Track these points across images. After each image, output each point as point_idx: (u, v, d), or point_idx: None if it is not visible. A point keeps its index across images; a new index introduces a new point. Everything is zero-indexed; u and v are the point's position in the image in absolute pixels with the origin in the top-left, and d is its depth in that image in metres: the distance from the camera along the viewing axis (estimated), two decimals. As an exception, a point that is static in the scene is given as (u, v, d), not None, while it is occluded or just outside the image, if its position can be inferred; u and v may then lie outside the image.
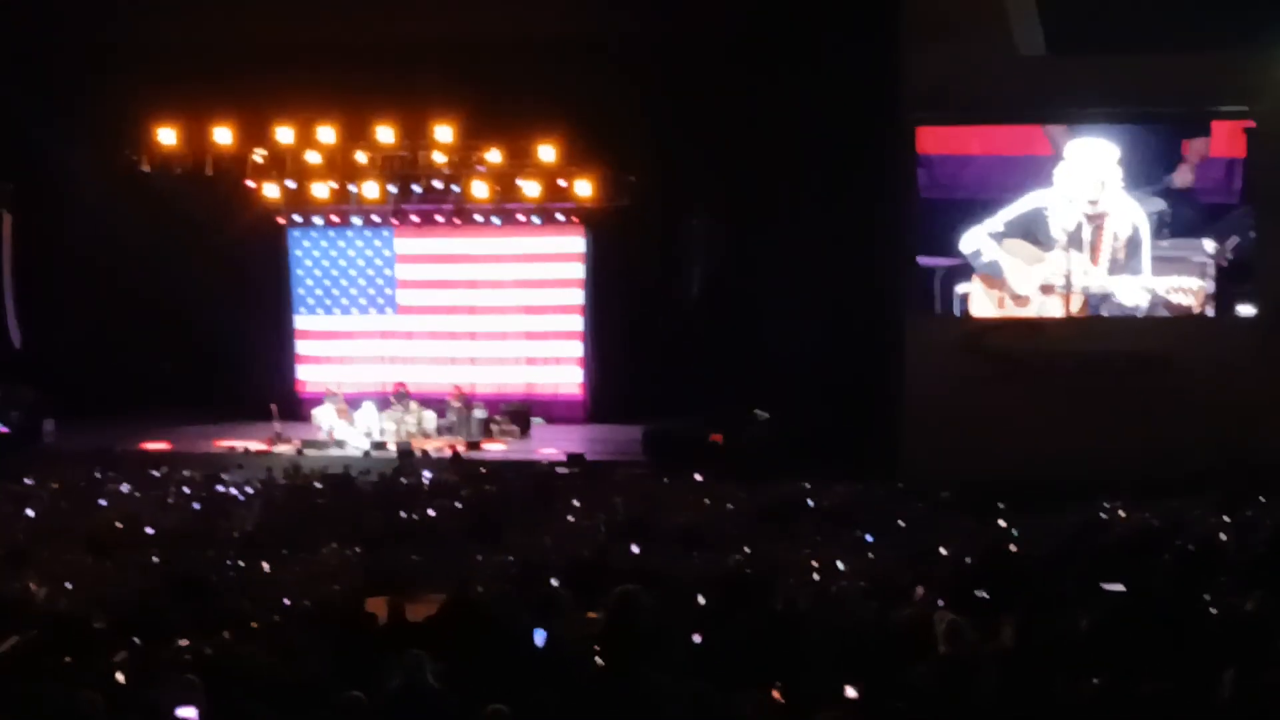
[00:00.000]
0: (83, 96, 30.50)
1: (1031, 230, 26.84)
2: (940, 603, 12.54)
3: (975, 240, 26.89)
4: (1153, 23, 24.79)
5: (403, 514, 20.11)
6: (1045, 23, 26.22)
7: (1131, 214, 26.51)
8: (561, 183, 31.10)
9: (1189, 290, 26.55)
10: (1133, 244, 26.57)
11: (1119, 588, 12.87)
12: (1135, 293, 26.66)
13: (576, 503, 21.03)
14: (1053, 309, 27.01)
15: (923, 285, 27.12)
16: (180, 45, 29.71)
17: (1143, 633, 11.00)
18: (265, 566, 16.07)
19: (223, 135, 30.83)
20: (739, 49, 29.33)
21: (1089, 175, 26.61)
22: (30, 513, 20.07)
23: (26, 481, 23.30)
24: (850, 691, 9.66)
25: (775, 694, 9.42)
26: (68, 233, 32.50)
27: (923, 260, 27.12)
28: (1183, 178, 26.42)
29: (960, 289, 27.07)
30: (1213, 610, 11.69)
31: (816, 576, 15.09)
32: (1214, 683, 9.32)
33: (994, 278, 27.02)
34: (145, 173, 31.32)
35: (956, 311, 27.16)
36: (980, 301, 27.12)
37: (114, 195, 31.59)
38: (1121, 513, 19.96)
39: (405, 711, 9.59)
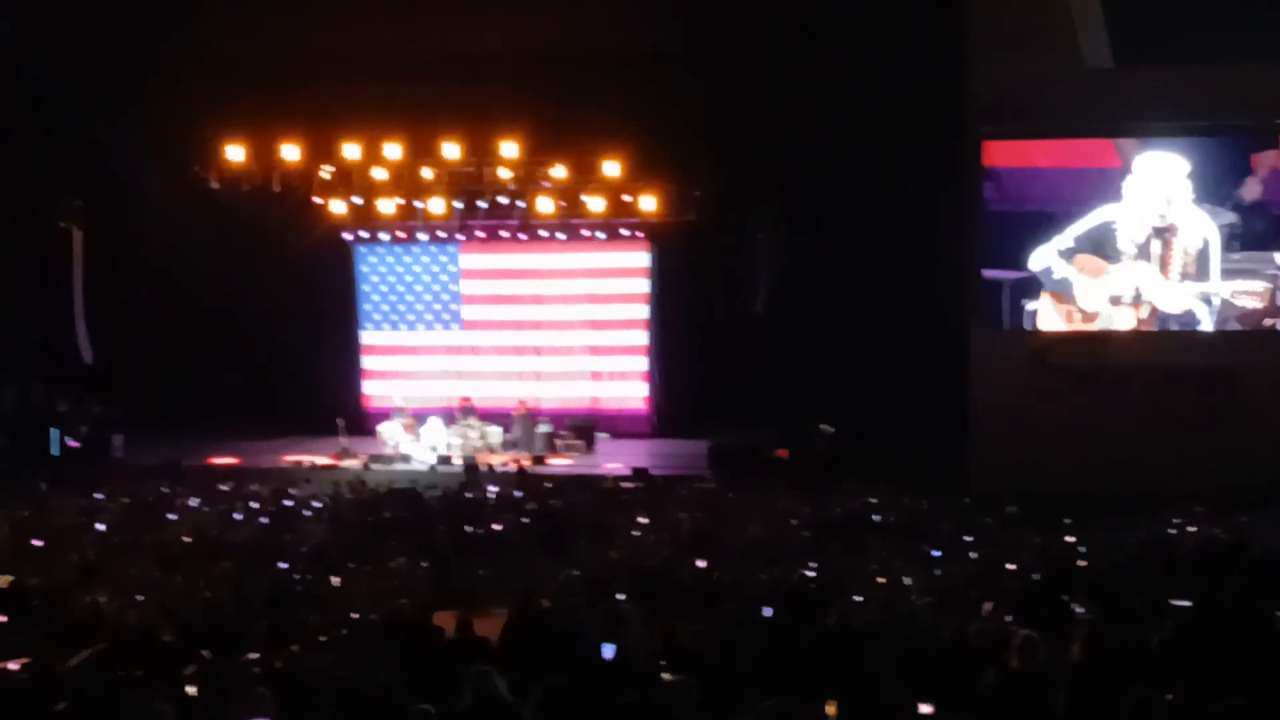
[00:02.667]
0: (152, 113, 30.74)
1: (1101, 244, 26.68)
2: (1008, 618, 12.47)
3: (1045, 258, 26.75)
4: (1220, 34, 24.65)
5: (469, 528, 20.12)
6: (1113, 35, 26.06)
7: (1201, 227, 26.32)
8: (626, 198, 31.15)
9: (1255, 293, 26.32)
10: (1202, 257, 26.38)
11: (1188, 603, 12.78)
12: (1192, 302, 26.45)
13: (642, 517, 20.99)
14: (1122, 321, 26.83)
15: (991, 299, 26.98)
16: (248, 62, 29.94)
17: (1213, 648, 10.91)
18: (333, 580, 16.11)
19: (290, 151, 31.03)
20: (803, 62, 29.31)
21: (1157, 189, 26.44)
22: (100, 526, 20.18)
23: (96, 495, 23.44)
24: (924, 708, 9.61)
25: (830, 708, 9.38)
26: (137, 249, 32.81)
27: (989, 273, 26.99)
28: (1252, 191, 26.22)
29: (1030, 305, 26.92)
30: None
31: (883, 591, 15.02)
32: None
33: (1063, 294, 26.87)
34: (213, 189, 31.51)
35: (1026, 326, 27.01)
36: (1049, 317, 26.97)
37: (182, 211, 31.84)
38: (1190, 527, 19.82)
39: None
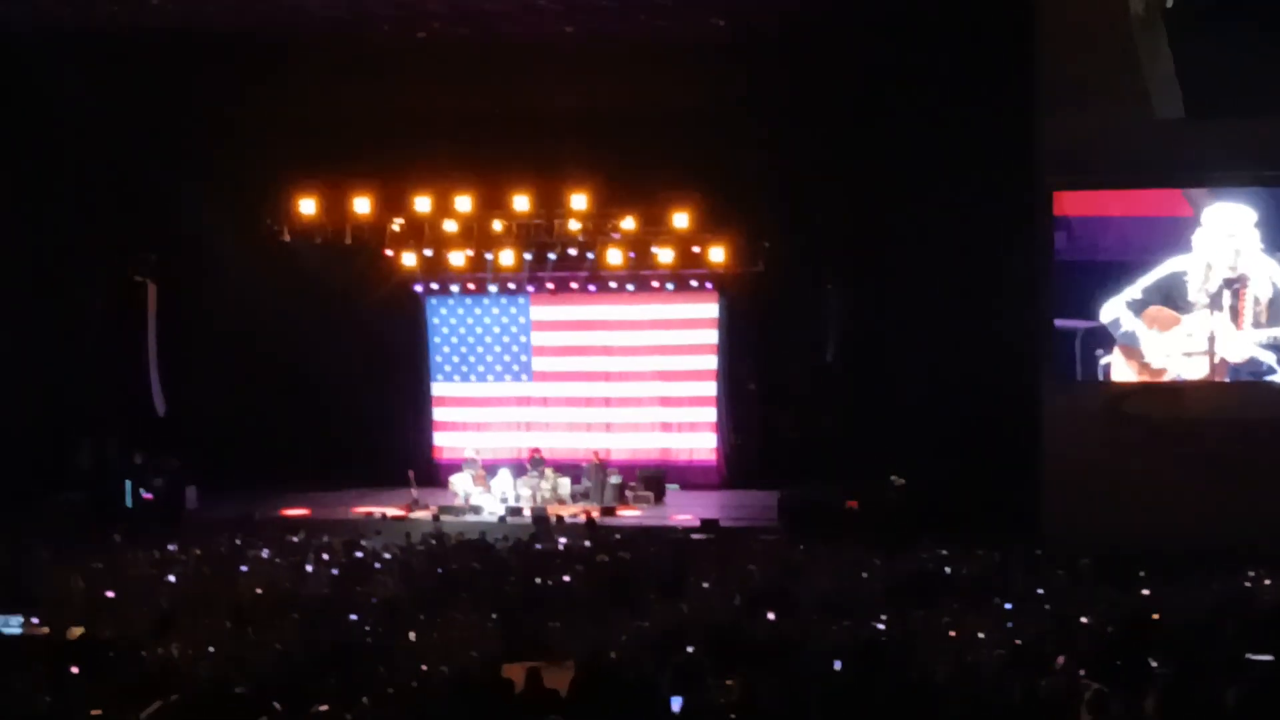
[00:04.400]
0: (226, 169, 31.14)
1: (1171, 295, 26.51)
2: (1082, 672, 12.36)
3: (1113, 310, 26.59)
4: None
5: (539, 580, 20.13)
6: (1184, 86, 25.92)
7: (1273, 275, 26.12)
8: (695, 249, 31.20)
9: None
10: (1275, 306, 26.16)
11: (1266, 658, 12.63)
12: (1255, 350, 26.22)
13: (712, 570, 20.94)
14: (1194, 372, 26.62)
15: (1063, 350, 26.82)
16: (320, 116, 30.23)
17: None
18: (407, 633, 16.13)
19: (361, 205, 31.23)
20: (872, 114, 29.35)
21: (1226, 240, 26.27)
22: (173, 579, 20.31)
23: (169, 548, 23.60)
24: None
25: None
26: (210, 303, 33.11)
27: (1061, 323, 26.84)
28: (1326, 238, 26.04)
29: (1104, 358, 26.74)
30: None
31: (955, 646, 14.92)
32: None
33: (1132, 348, 26.70)
34: (286, 242, 31.76)
35: (1099, 377, 26.82)
36: (1122, 370, 26.79)
37: (256, 265, 32.14)
38: (1266, 581, 19.61)
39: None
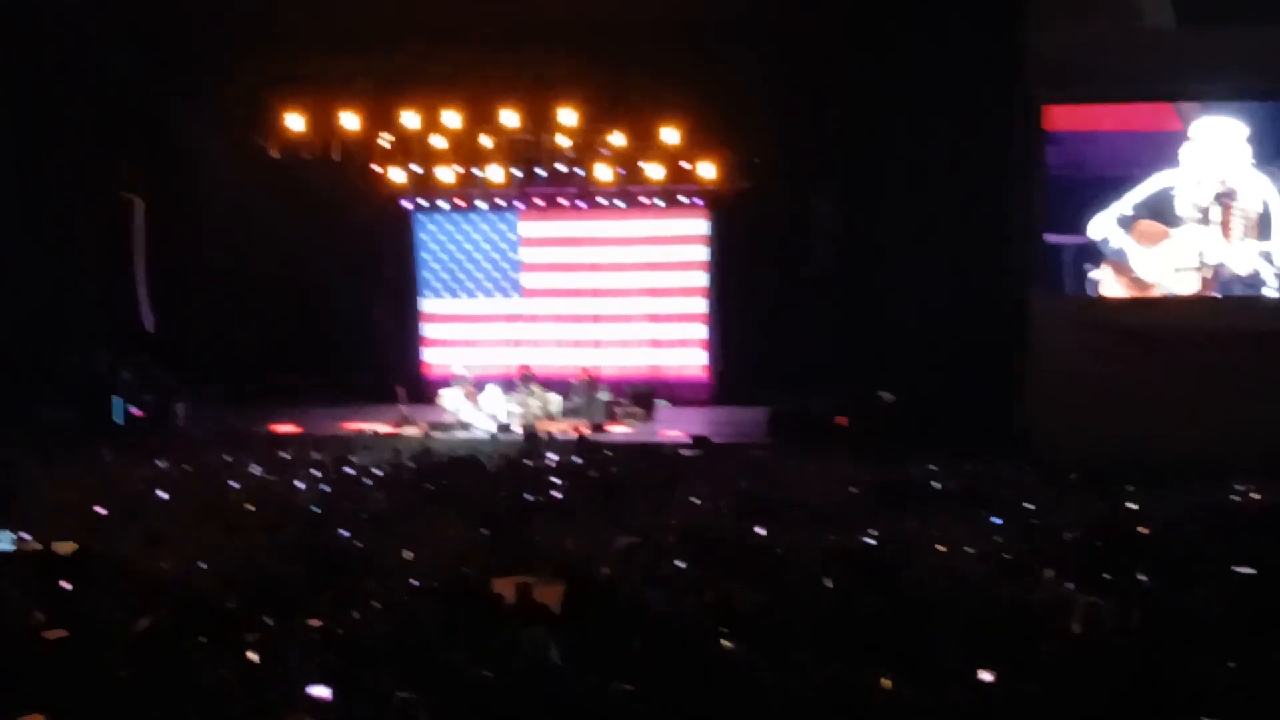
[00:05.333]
0: (211, 82, 30.90)
1: (1160, 210, 26.48)
2: (1070, 585, 12.43)
3: (1102, 227, 26.55)
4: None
5: (529, 495, 20.18)
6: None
7: (1263, 191, 26.09)
8: (685, 165, 31.15)
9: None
10: (1264, 220, 26.14)
11: (1250, 571, 12.71)
12: (1258, 261, 26.24)
13: (702, 485, 21.00)
14: (1184, 286, 26.63)
15: (1052, 264, 26.82)
16: (306, 30, 29.98)
17: (1276, 615, 10.85)
18: (393, 547, 16.17)
19: (349, 120, 31.08)
20: (862, 27, 29.20)
21: (1216, 154, 26.21)
22: (163, 494, 20.35)
23: (160, 463, 23.64)
24: (985, 675, 9.59)
25: (886, 682, 9.36)
26: (198, 217, 33.04)
27: (1050, 238, 26.82)
28: (1319, 152, 26.00)
29: (1093, 272, 26.73)
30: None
31: (944, 559, 15.00)
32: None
33: (1122, 264, 26.69)
34: (274, 158, 31.63)
35: (1089, 293, 26.83)
36: (1111, 285, 26.79)
37: (242, 180, 31.99)
38: (1253, 493, 19.70)
39: (530, 689, 9.63)
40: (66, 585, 13.45)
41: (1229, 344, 25.66)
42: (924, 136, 28.63)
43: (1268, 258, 26.14)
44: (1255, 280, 26.31)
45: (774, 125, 30.31)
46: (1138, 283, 26.74)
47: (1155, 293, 26.71)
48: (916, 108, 28.64)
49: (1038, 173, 26.71)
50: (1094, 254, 26.71)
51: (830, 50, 29.28)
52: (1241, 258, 26.24)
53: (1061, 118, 26.75)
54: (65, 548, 15.50)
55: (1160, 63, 25.93)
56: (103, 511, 18.59)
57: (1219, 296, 26.52)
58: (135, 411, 30.53)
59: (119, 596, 12.85)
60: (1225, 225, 26.33)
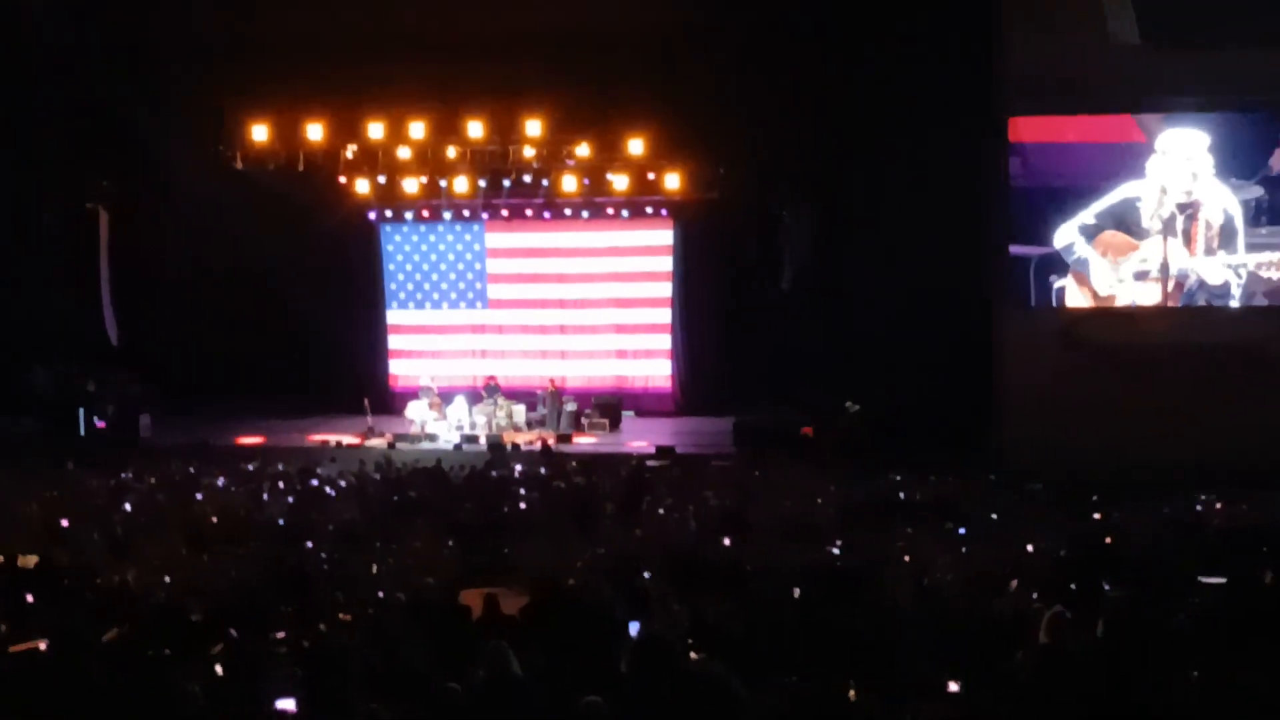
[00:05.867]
0: (179, 94, 30.80)
1: (1124, 220, 26.60)
2: (1035, 596, 12.45)
3: (1067, 236, 26.67)
4: (1248, 19, 24.56)
5: (494, 507, 20.15)
6: (1140, 12, 25.94)
7: (1224, 202, 26.23)
8: (650, 175, 31.15)
9: (1277, 264, 26.23)
10: (1226, 231, 26.27)
11: (1218, 580, 12.74)
12: (1228, 273, 26.36)
13: (668, 496, 21.00)
14: (1147, 297, 26.75)
15: (1018, 276, 26.91)
16: (273, 42, 29.90)
17: (1241, 626, 10.88)
18: (363, 560, 16.14)
19: (315, 131, 31.01)
20: (829, 39, 29.23)
21: (1181, 165, 26.34)
22: (128, 506, 20.27)
23: (124, 475, 23.54)
24: (951, 686, 9.60)
25: (851, 694, 9.35)
26: (164, 230, 32.91)
27: (1016, 249, 26.92)
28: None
29: (1057, 283, 26.85)
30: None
31: (910, 570, 15.01)
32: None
33: (1084, 275, 26.81)
34: (238, 169, 31.53)
35: (1053, 303, 26.93)
36: (1075, 295, 26.90)
37: (209, 192, 31.84)
38: (1218, 504, 19.77)
39: (494, 702, 9.60)
40: (29, 597, 13.38)
41: (1191, 356, 25.80)
42: (891, 148, 28.70)
43: (1235, 270, 26.25)
44: (1225, 291, 26.43)
45: (741, 136, 30.35)
46: (1099, 294, 26.83)
47: (1118, 303, 26.81)
48: (884, 119, 28.70)
49: (1004, 184, 26.80)
50: (1058, 265, 26.81)
51: (798, 63, 29.29)
52: (1212, 269, 26.36)
53: (1027, 130, 26.86)
54: (28, 560, 15.42)
55: (1126, 77, 26.05)
56: (67, 523, 18.51)
57: (1181, 308, 26.63)
58: (100, 423, 30.41)
59: (84, 609, 12.78)
60: (1190, 236, 26.45)
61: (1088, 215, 26.61)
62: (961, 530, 18.05)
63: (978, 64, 26.45)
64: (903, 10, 27.79)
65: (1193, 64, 25.63)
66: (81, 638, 11.09)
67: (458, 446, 29.01)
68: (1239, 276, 26.27)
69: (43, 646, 11.06)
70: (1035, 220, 26.81)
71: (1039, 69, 25.77)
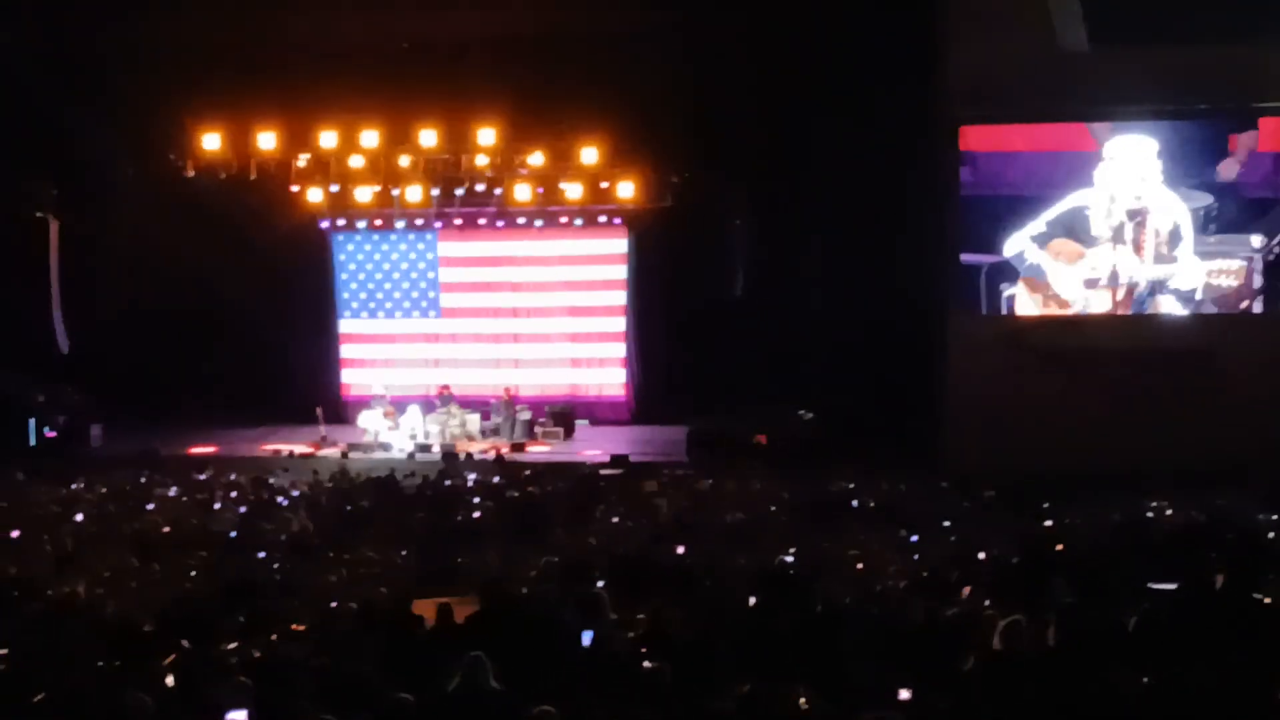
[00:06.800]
0: (128, 102, 30.55)
1: (1074, 228, 26.78)
2: (987, 601, 12.51)
3: (1018, 244, 26.85)
4: (1198, 15, 24.69)
5: (447, 516, 20.13)
6: (1088, 16, 26.10)
7: (1173, 209, 26.41)
8: (604, 184, 31.17)
9: (1230, 272, 26.46)
10: (1175, 238, 26.48)
11: (1167, 586, 12.83)
12: (1179, 279, 26.56)
13: (621, 504, 21.02)
14: (1098, 304, 26.92)
15: (968, 283, 27.04)
16: (224, 49, 29.79)
17: (1189, 629, 10.95)
18: (316, 570, 16.10)
19: (266, 140, 30.89)
20: (779, 47, 29.26)
21: (1130, 172, 26.52)
22: (78, 516, 20.16)
23: (74, 485, 23.42)
24: (903, 693, 9.64)
25: (802, 700, 9.37)
26: (114, 238, 32.69)
27: (966, 258, 27.07)
28: (1229, 171, 26.32)
29: (1007, 290, 27.00)
30: (1266, 602, 11.61)
31: (861, 576, 15.07)
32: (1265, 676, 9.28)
33: (1037, 280, 26.96)
34: (189, 177, 31.40)
35: (1003, 310, 27.08)
36: (1025, 302, 27.05)
37: (159, 200, 31.66)
38: (1167, 509, 19.89)
39: (462, 713, 9.61)
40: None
41: (1141, 362, 26.01)
42: (843, 157, 28.73)
43: (1180, 270, 26.48)
44: (1191, 295, 26.66)
45: (691, 145, 30.38)
46: (1054, 299, 27.00)
47: (1070, 310, 26.98)
48: (835, 128, 28.75)
49: (954, 192, 26.94)
50: (1008, 272, 26.97)
51: (749, 71, 29.32)
52: (1154, 274, 26.56)
53: (977, 138, 27.01)
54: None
55: (1075, 84, 26.21)
56: (16, 534, 18.41)
57: (1131, 315, 26.81)
58: (49, 433, 30.24)
59: (31, 620, 12.72)
60: (1138, 243, 26.63)
61: (1038, 224, 26.79)
62: (913, 537, 18.13)
63: (927, 73, 26.58)
64: (851, 19, 27.82)
65: (1140, 69, 25.78)
66: (31, 649, 11.05)
67: (411, 455, 28.96)
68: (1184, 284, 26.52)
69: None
70: (986, 228, 26.97)
71: (987, 77, 25.91)
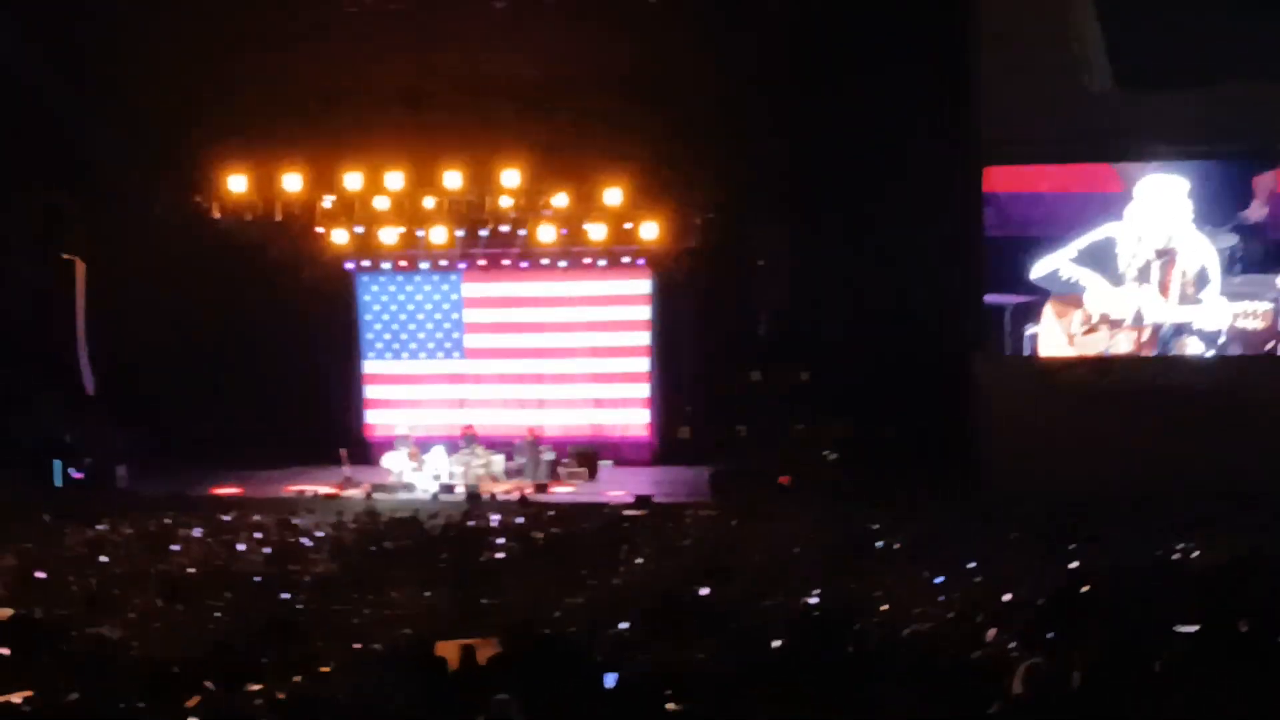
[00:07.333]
0: (156, 143, 30.73)
1: (1102, 260, 26.73)
2: (1013, 643, 12.46)
3: (1051, 263, 26.72)
4: (1222, 57, 24.71)
5: (472, 557, 20.13)
6: (1114, 59, 26.11)
7: (1201, 250, 26.37)
8: (628, 225, 31.19)
9: (1256, 315, 26.38)
10: (1201, 280, 26.43)
11: (1194, 628, 12.76)
12: (1204, 320, 26.49)
13: (646, 545, 20.99)
14: (1122, 344, 26.86)
15: (992, 323, 27.02)
16: (250, 92, 29.94)
17: (1219, 671, 10.90)
18: (341, 611, 16.11)
19: (291, 181, 31.02)
20: (806, 90, 29.34)
21: (1159, 212, 26.47)
22: (104, 558, 20.20)
23: (100, 527, 23.47)
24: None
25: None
26: (141, 279, 32.76)
27: (990, 298, 27.03)
28: (1255, 213, 26.28)
29: (1029, 330, 26.96)
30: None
31: (888, 617, 15.02)
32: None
33: (1069, 299, 26.82)
34: (215, 219, 31.53)
35: (1025, 351, 27.03)
36: (1049, 339, 26.97)
37: (186, 242, 31.80)
38: (1195, 551, 19.79)
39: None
40: (4, 651, 13.32)
41: (1168, 402, 25.91)
42: (867, 198, 28.77)
43: (1204, 312, 26.40)
44: (1215, 336, 26.58)
45: (716, 186, 30.41)
46: (1079, 331, 26.89)
47: (1097, 338, 26.88)
48: (860, 169, 28.78)
49: (978, 234, 26.93)
50: (1032, 312, 26.90)
51: (774, 115, 29.42)
52: (1179, 315, 26.49)
53: (1000, 179, 27.00)
54: (3, 614, 15.37)
55: (1101, 125, 26.22)
56: (42, 576, 18.45)
57: (1158, 355, 26.74)
58: (75, 474, 30.31)
59: (57, 662, 12.74)
60: (1164, 284, 26.58)
61: (1070, 250, 26.71)
62: (938, 578, 18.06)
63: (952, 114, 26.60)
64: (878, 61, 27.88)
65: (1167, 109, 25.82)
66: (59, 691, 11.07)
67: (435, 496, 28.95)
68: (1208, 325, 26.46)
69: (17, 700, 11.02)
70: (1010, 268, 26.94)
71: (1013, 119, 25.93)
